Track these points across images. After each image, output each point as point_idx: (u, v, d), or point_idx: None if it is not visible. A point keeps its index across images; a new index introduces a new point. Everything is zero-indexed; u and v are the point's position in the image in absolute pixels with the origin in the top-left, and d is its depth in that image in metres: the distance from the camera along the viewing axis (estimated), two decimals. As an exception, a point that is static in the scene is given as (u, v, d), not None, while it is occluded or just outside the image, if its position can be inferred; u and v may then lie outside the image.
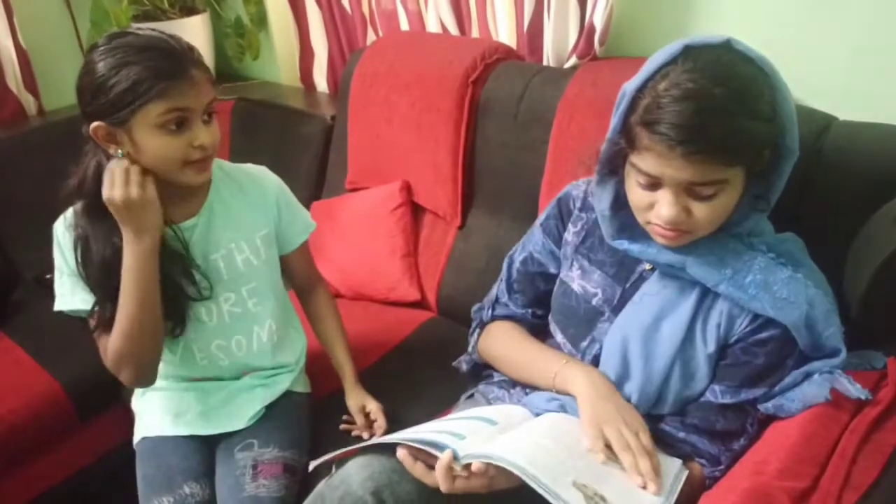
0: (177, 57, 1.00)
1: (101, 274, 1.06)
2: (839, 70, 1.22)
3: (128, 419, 1.47)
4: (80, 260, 1.08)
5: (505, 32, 1.62)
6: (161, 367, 1.17)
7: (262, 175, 1.24)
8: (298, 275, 1.34)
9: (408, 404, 1.36)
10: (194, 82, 1.01)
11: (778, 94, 0.85)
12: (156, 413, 1.25)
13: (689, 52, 0.85)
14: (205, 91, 1.03)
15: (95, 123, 1.00)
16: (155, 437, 1.22)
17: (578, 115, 1.34)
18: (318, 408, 1.36)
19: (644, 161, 0.87)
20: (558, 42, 1.49)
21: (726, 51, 0.85)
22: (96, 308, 1.09)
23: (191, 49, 1.04)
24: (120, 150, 1.02)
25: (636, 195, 0.92)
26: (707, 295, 0.96)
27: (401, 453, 0.91)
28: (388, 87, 1.65)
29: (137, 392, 1.31)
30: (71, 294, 1.10)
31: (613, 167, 0.96)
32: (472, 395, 1.22)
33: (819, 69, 1.23)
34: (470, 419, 1.01)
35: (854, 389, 0.91)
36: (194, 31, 2.15)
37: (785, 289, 0.92)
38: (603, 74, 1.36)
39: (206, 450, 1.22)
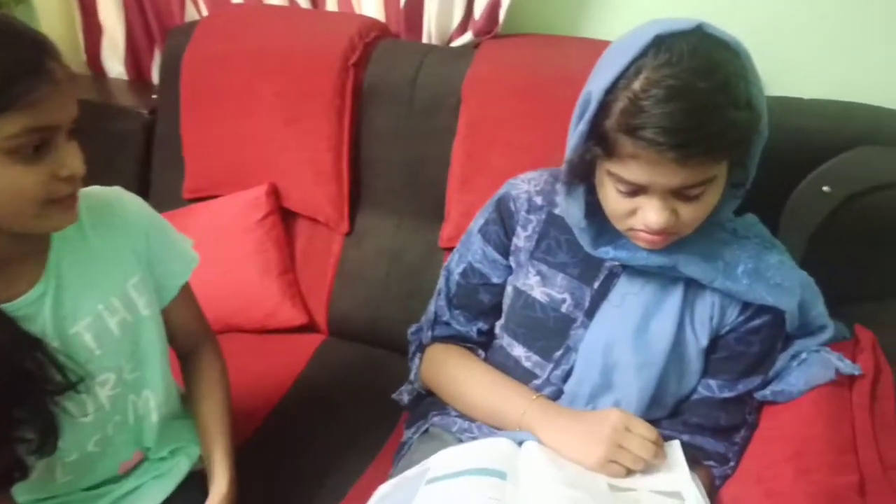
0: (31, 45, 0.68)
1: None
2: (758, 43, 1.23)
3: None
4: None
5: (372, 6, 1.42)
6: None
7: (120, 200, 0.90)
8: (181, 332, 0.99)
9: (337, 452, 1.15)
10: (58, 84, 0.68)
11: (752, 76, 0.80)
12: None
13: (661, 42, 0.75)
14: (71, 98, 0.71)
15: None
16: None
17: (493, 99, 1.21)
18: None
19: (628, 170, 0.77)
20: (443, 18, 1.34)
21: (701, 38, 0.76)
22: None
23: (46, 37, 0.71)
24: None
25: (615, 203, 0.83)
26: (691, 286, 0.91)
27: None
28: (238, 73, 1.35)
29: None
30: None
31: (584, 175, 0.86)
32: (426, 431, 1.05)
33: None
34: (477, 475, 0.84)
35: (846, 366, 0.93)
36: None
37: (777, 274, 0.89)
38: (513, 52, 1.24)
39: None
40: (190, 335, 1.01)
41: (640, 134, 0.73)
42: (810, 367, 0.93)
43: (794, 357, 0.95)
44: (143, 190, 1.53)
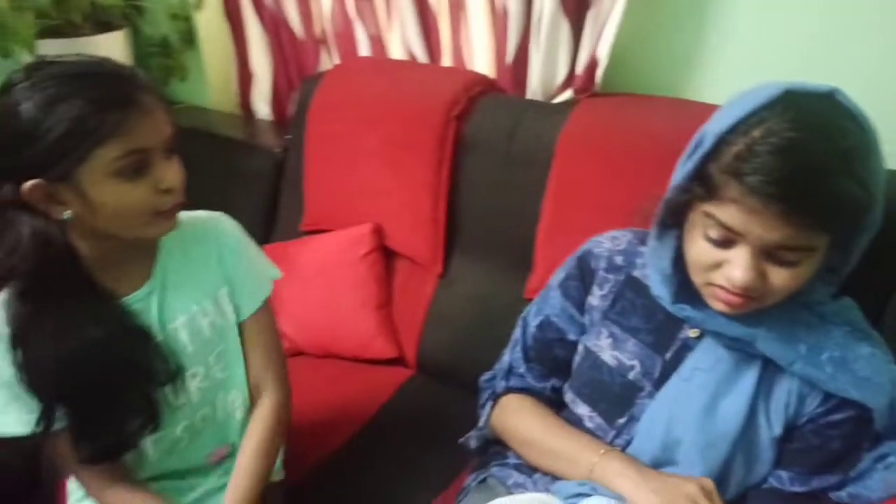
0: (122, 81, 0.81)
1: (47, 375, 0.84)
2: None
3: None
4: (21, 364, 0.84)
5: (483, 62, 1.49)
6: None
7: (219, 221, 1.03)
8: (252, 363, 1.04)
9: (400, 482, 1.21)
10: (148, 111, 0.81)
11: (874, 158, 0.76)
12: None
13: (790, 98, 0.74)
14: (162, 120, 0.83)
15: (29, 184, 0.78)
16: None
17: (584, 157, 1.23)
18: (291, 495, 1.16)
19: (727, 212, 0.75)
20: (547, 75, 1.38)
21: (832, 104, 0.75)
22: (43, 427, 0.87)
23: (134, 70, 0.84)
24: (68, 211, 0.81)
25: (701, 251, 0.80)
26: (768, 368, 0.86)
27: None
28: (353, 119, 1.48)
29: (73, 496, 1.06)
30: (19, 411, 0.87)
31: (678, 217, 0.84)
32: (484, 480, 1.07)
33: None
34: None
35: None
36: (111, 50, 1.88)
37: (867, 367, 0.82)
38: (606, 112, 1.25)
39: None
40: (254, 372, 1.04)
41: (747, 179, 0.72)
42: (892, 473, 0.85)
43: (879, 459, 0.87)
44: (271, 220, 1.70)
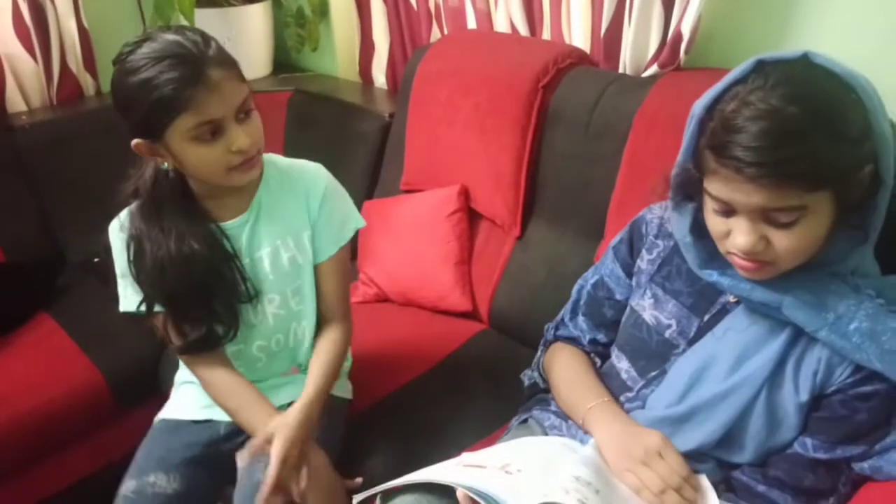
0: (192, 62, 0.94)
1: (153, 273, 1.05)
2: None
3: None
4: (131, 259, 1.06)
5: (579, 36, 1.54)
6: None
7: (312, 170, 1.17)
8: (325, 298, 1.18)
9: (453, 421, 1.31)
10: (215, 86, 0.95)
11: (871, 114, 0.76)
12: (182, 400, 1.24)
13: (761, 68, 0.77)
14: (230, 92, 0.98)
15: (135, 141, 0.99)
16: (169, 419, 1.21)
17: (657, 130, 1.26)
18: (356, 418, 1.30)
19: (713, 186, 0.80)
20: (638, 49, 1.41)
21: (804, 66, 0.76)
22: (153, 310, 1.09)
23: (207, 45, 0.97)
24: (165, 163, 1.02)
25: (713, 223, 0.85)
26: (801, 337, 0.87)
27: (461, 494, 0.84)
28: (451, 87, 1.58)
29: (176, 382, 1.29)
30: (134, 294, 1.10)
31: (689, 193, 0.89)
32: (525, 421, 1.15)
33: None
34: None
35: None
36: (255, 20, 2.12)
37: None
38: (687, 86, 1.26)
39: (215, 443, 1.18)
40: (326, 306, 1.19)
41: (720, 151, 0.77)
42: (916, 449, 0.84)
43: (909, 435, 0.86)
44: (375, 177, 1.85)
